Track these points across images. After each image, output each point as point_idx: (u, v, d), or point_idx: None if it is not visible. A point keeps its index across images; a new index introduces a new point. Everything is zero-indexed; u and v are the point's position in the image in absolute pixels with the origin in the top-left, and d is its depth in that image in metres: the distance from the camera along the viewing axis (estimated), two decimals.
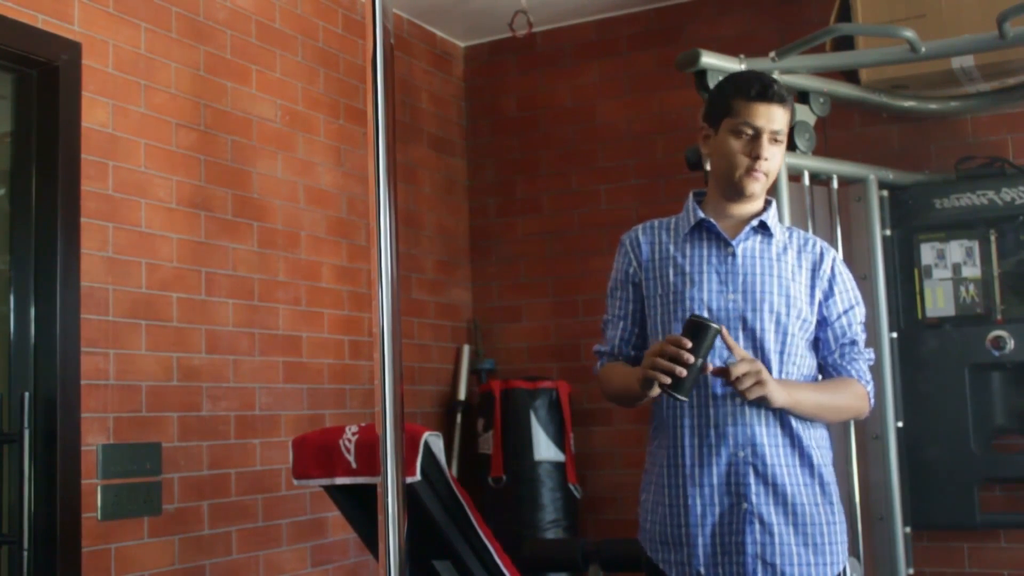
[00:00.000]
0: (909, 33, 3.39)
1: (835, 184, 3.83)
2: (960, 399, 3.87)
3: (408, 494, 2.69)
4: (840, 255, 3.80)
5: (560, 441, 4.57)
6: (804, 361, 2.35)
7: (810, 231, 3.72)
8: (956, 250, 3.93)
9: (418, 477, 2.85)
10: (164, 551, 3.37)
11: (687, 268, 2.35)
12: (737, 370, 2.17)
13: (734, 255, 2.34)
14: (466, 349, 4.95)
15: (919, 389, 3.90)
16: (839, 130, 4.17)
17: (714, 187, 2.42)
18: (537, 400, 4.58)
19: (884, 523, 3.74)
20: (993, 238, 3.88)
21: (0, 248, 3.18)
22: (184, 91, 3.60)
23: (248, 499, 3.70)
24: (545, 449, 4.53)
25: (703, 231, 2.38)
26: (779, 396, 2.21)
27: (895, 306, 3.95)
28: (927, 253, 3.96)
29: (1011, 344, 3.77)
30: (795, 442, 2.28)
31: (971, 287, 3.89)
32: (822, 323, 2.38)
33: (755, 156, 2.29)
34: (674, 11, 4.81)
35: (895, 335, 3.92)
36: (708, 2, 4.75)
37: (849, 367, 2.39)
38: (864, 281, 3.86)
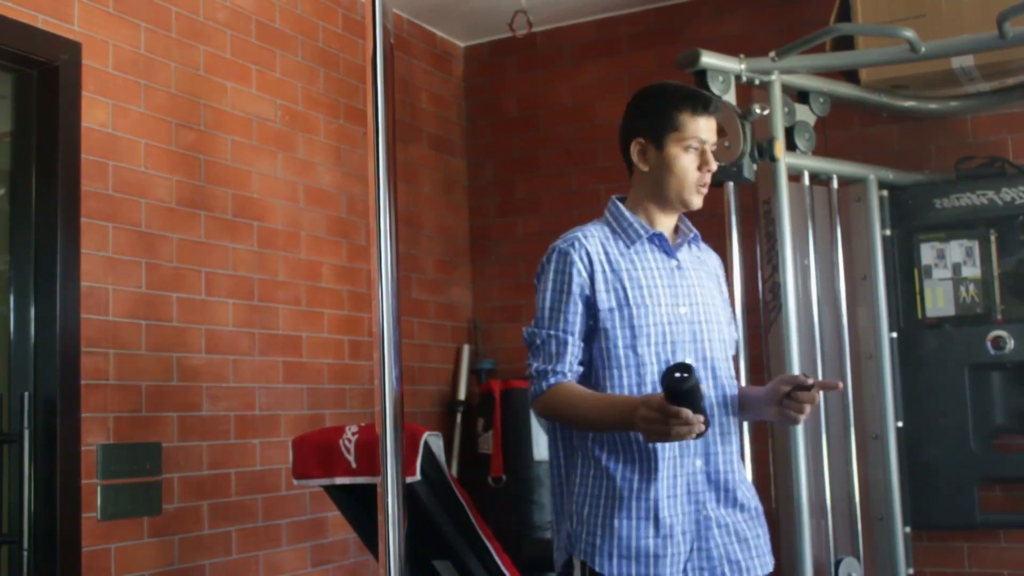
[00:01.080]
0: (909, 33, 3.39)
1: (835, 184, 3.83)
2: (960, 399, 3.87)
3: (408, 494, 2.69)
4: (840, 254, 3.82)
5: None
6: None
7: (810, 231, 3.73)
8: (956, 250, 3.93)
9: (418, 477, 2.85)
10: (164, 551, 3.36)
11: (643, 281, 2.32)
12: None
13: (680, 267, 2.37)
14: (466, 349, 4.95)
15: (919, 389, 3.90)
16: (839, 130, 4.17)
17: (650, 197, 2.38)
18: None
19: (884, 523, 3.74)
20: (993, 238, 3.88)
21: (0, 248, 3.18)
22: (184, 91, 3.60)
23: (248, 499, 3.70)
24: (545, 449, 4.53)
25: (650, 242, 2.38)
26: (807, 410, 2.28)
27: (895, 306, 3.95)
28: (927, 253, 3.96)
29: (1011, 344, 3.77)
30: (734, 446, 2.36)
31: (971, 287, 3.89)
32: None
33: (707, 169, 2.33)
34: (674, 11, 4.81)
35: (895, 335, 3.92)
36: (708, 2, 4.74)
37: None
38: (864, 281, 3.87)
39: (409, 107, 4.82)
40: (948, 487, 3.89)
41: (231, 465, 3.65)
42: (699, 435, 2.08)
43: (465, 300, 5.10)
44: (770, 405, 2.25)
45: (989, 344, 3.82)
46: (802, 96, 3.73)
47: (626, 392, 2.27)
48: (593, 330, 2.31)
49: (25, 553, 2.96)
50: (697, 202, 2.36)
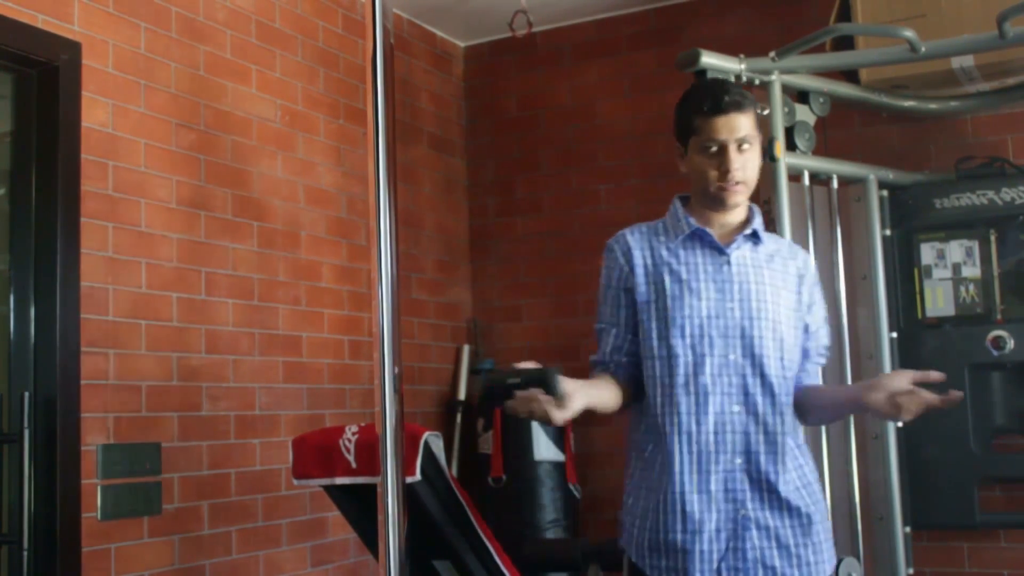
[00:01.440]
0: (909, 33, 3.39)
1: (835, 184, 3.83)
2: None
3: (408, 494, 2.69)
4: (840, 254, 3.82)
5: (560, 441, 4.57)
6: (796, 367, 2.37)
7: (810, 231, 3.73)
8: (956, 250, 3.93)
9: (418, 477, 2.85)
10: (164, 551, 3.37)
11: (684, 275, 2.34)
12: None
13: (729, 263, 2.33)
14: (466, 349, 4.95)
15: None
16: (839, 130, 4.17)
17: (697, 199, 2.40)
18: None
19: (884, 523, 3.74)
20: (993, 238, 3.88)
21: (0, 248, 3.18)
22: (184, 91, 3.60)
23: (248, 499, 3.70)
24: (545, 449, 4.53)
25: (697, 238, 2.37)
26: (933, 399, 2.26)
27: (895, 306, 3.95)
28: (927, 253, 3.96)
29: (1011, 344, 3.77)
30: (785, 447, 2.29)
31: (971, 287, 3.89)
32: (805, 330, 2.41)
33: (725, 170, 2.28)
34: (674, 11, 4.81)
35: (895, 335, 3.92)
36: (708, 2, 4.74)
37: (816, 375, 2.48)
38: (864, 281, 3.86)
39: (409, 107, 4.82)
40: (948, 487, 3.89)
41: (231, 465, 3.65)
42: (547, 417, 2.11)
43: (465, 300, 5.10)
44: (874, 391, 2.20)
45: (989, 344, 3.82)
46: (802, 96, 3.73)
47: (658, 385, 2.31)
48: (637, 323, 2.37)
49: (25, 553, 2.96)
50: (731, 200, 2.31)
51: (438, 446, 2.93)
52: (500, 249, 5.11)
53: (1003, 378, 3.90)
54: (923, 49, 3.42)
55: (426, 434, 2.87)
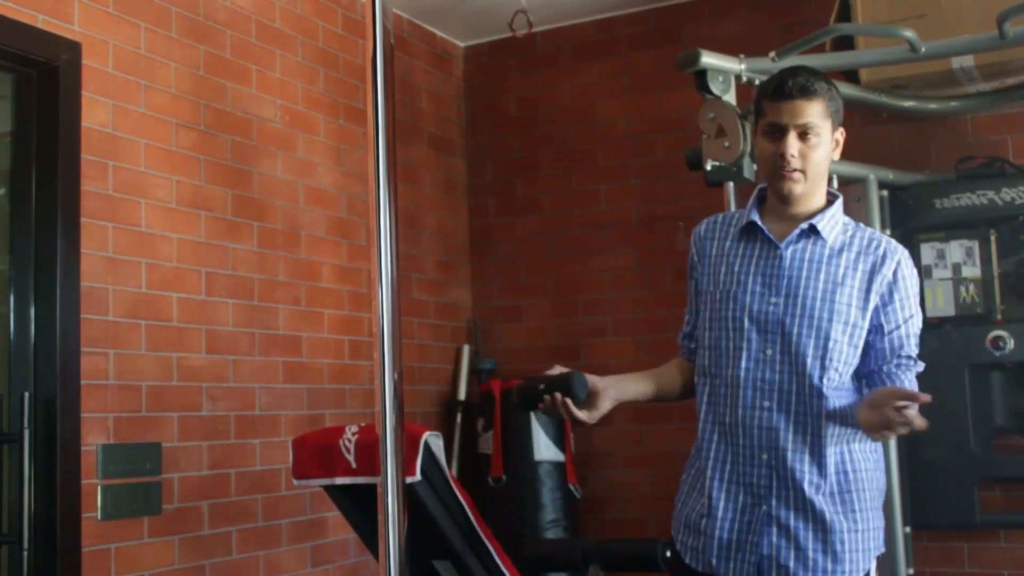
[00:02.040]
0: (909, 33, 3.39)
1: (835, 184, 3.83)
2: (960, 399, 3.87)
3: (408, 494, 2.69)
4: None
5: (560, 441, 4.57)
6: (847, 368, 2.28)
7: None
8: (956, 250, 3.93)
9: (418, 477, 2.85)
10: (164, 551, 3.37)
11: (736, 268, 2.34)
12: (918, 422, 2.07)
13: (781, 258, 2.30)
14: (466, 349, 4.95)
15: (919, 389, 3.89)
16: None
17: (768, 189, 2.38)
18: None
19: (884, 523, 3.74)
20: (993, 238, 3.88)
21: (0, 248, 3.18)
22: (184, 91, 3.60)
23: (248, 499, 3.70)
24: (545, 449, 4.53)
25: (755, 231, 2.35)
26: (919, 422, 2.09)
27: None
28: (927, 253, 3.96)
29: (1011, 344, 3.77)
30: (821, 451, 2.24)
31: (971, 287, 3.89)
32: (877, 330, 2.29)
33: (780, 154, 2.24)
34: (674, 11, 4.81)
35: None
36: (708, 2, 4.74)
37: (904, 377, 2.31)
38: None
39: (409, 107, 4.82)
40: (948, 487, 3.89)
41: (231, 465, 3.65)
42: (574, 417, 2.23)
43: (465, 300, 5.10)
44: (867, 408, 2.12)
45: (989, 344, 3.82)
46: None
47: (705, 374, 2.36)
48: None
49: (25, 553, 2.96)
50: (787, 187, 2.26)
51: (438, 446, 2.93)
52: (500, 249, 5.10)
53: (1003, 378, 3.90)
54: (923, 49, 3.42)
55: (426, 434, 2.87)
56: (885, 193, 3.96)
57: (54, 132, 3.13)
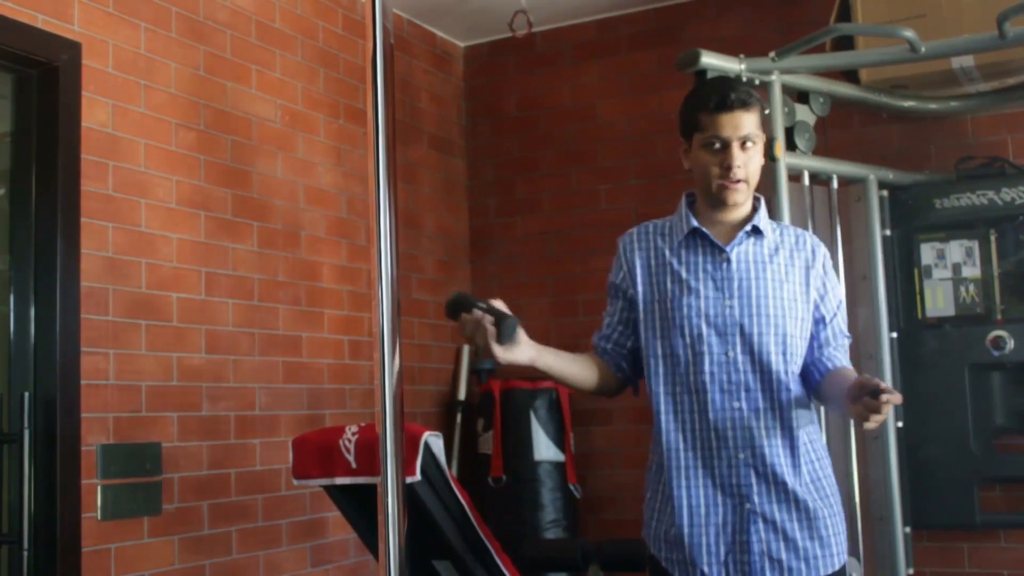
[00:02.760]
0: (909, 33, 3.39)
1: (835, 184, 3.83)
2: (960, 399, 3.87)
3: (408, 494, 2.69)
4: (840, 254, 3.82)
5: (560, 441, 4.57)
6: (801, 359, 2.37)
7: (810, 231, 3.72)
8: (956, 250, 3.93)
9: (418, 477, 2.85)
10: (164, 551, 3.37)
11: (683, 275, 2.36)
12: (894, 398, 2.09)
13: (729, 261, 2.35)
14: (466, 349, 4.94)
15: (919, 389, 3.90)
16: (839, 130, 4.17)
17: (700, 197, 2.42)
18: (537, 400, 4.57)
19: (884, 523, 3.74)
20: (993, 238, 3.88)
21: (0, 248, 3.18)
22: (184, 91, 3.60)
23: (248, 499, 3.70)
24: (545, 449, 4.53)
25: (697, 238, 2.39)
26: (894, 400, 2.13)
27: (895, 306, 3.95)
28: (927, 253, 3.96)
29: (1011, 344, 3.77)
30: (792, 441, 2.31)
31: (971, 287, 3.89)
32: (819, 321, 2.40)
33: (726, 167, 2.30)
34: (674, 11, 4.81)
35: (895, 335, 3.92)
36: (708, 2, 4.74)
37: (844, 358, 2.43)
38: (864, 281, 3.86)
39: (409, 107, 4.82)
40: (948, 487, 3.89)
41: (231, 465, 3.65)
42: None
43: None
44: (849, 402, 2.18)
45: (989, 344, 3.82)
46: (802, 96, 3.73)
47: (662, 383, 2.36)
48: (636, 321, 2.43)
49: (25, 553, 2.96)
50: (731, 198, 2.32)
51: (438, 446, 2.93)
52: (500, 249, 5.10)
53: (1003, 378, 3.90)
54: (923, 49, 3.42)
55: (426, 434, 2.87)
56: (885, 193, 3.96)
57: (54, 132, 3.13)
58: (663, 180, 4.69)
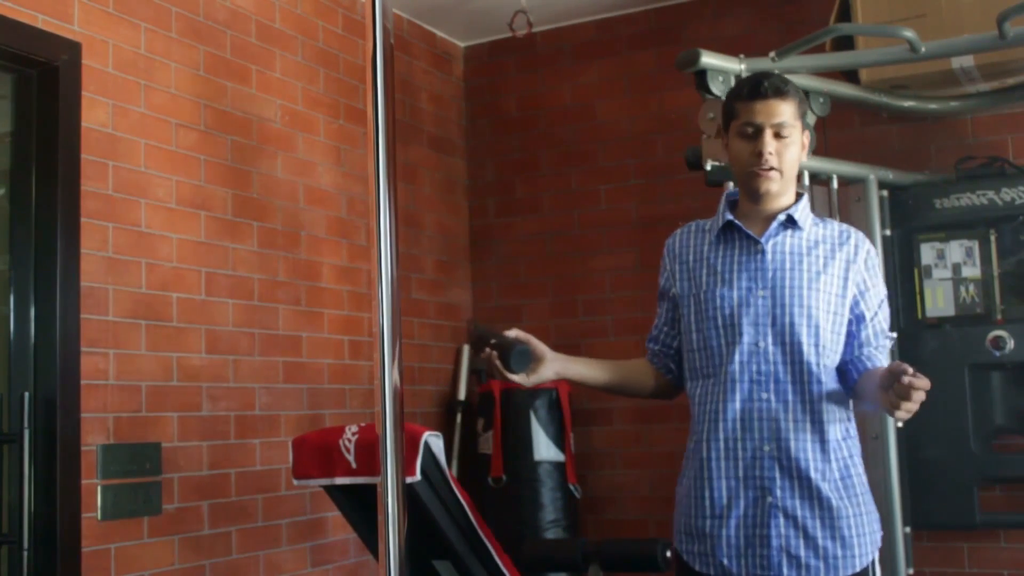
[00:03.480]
0: (909, 33, 3.39)
1: (835, 184, 3.83)
2: (960, 399, 3.87)
3: (408, 494, 2.68)
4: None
5: (560, 441, 4.57)
6: (834, 356, 2.35)
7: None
8: (956, 250, 3.93)
9: (418, 477, 2.85)
10: (164, 551, 3.37)
11: (719, 267, 2.37)
12: (921, 383, 2.09)
13: (763, 252, 2.34)
14: (466, 349, 4.95)
15: None
16: (839, 130, 4.17)
17: (740, 190, 2.43)
18: (537, 400, 4.57)
19: (884, 523, 3.71)
20: (993, 238, 3.87)
21: (0, 248, 3.18)
22: (184, 91, 3.60)
23: (248, 499, 3.70)
24: (545, 449, 4.53)
25: (733, 231, 2.40)
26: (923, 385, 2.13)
27: (895, 306, 3.94)
28: (927, 253, 3.96)
29: (1011, 344, 3.77)
30: (822, 436, 2.29)
31: (971, 287, 3.89)
32: (859, 319, 2.37)
33: (758, 153, 2.29)
34: (674, 11, 4.81)
35: (895, 335, 3.91)
36: (708, 2, 4.74)
37: (884, 358, 2.41)
38: None
39: (409, 107, 4.82)
40: (948, 487, 3.88)
41: (231, 465, 3.65)
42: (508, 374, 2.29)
43: (465, 300, 5.10)
44: (881, 391, 2.17)
45: (989, 344, 3.82)
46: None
47: (695, 376, 2.39)
48: (676, 318, 2.46)
49: (25, 553, 2.96)
50: (763, 186, 2.32)
51: (438, 446, 2.93)
52: (500, 249, 5.11)
53: (1003, 378, 3.90)
54: (923, 49, 3.42)
55: (426, 434, 2.87)
56: (885, 193, 3.96)
57: (54, 132, 3.13)
58: (663, 180, 4.69)
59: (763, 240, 2.35)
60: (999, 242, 3.86)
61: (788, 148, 2.31)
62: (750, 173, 2.32)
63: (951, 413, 3.87)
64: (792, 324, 2.29)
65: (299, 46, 4.16)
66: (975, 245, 3.89)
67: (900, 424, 3.83)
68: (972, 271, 3.89)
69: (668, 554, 2.52)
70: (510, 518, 4.40)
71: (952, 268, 3.92)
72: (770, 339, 2.29)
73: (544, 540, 4.36)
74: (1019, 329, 3.78)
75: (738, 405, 2.29)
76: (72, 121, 3.18)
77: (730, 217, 2.39)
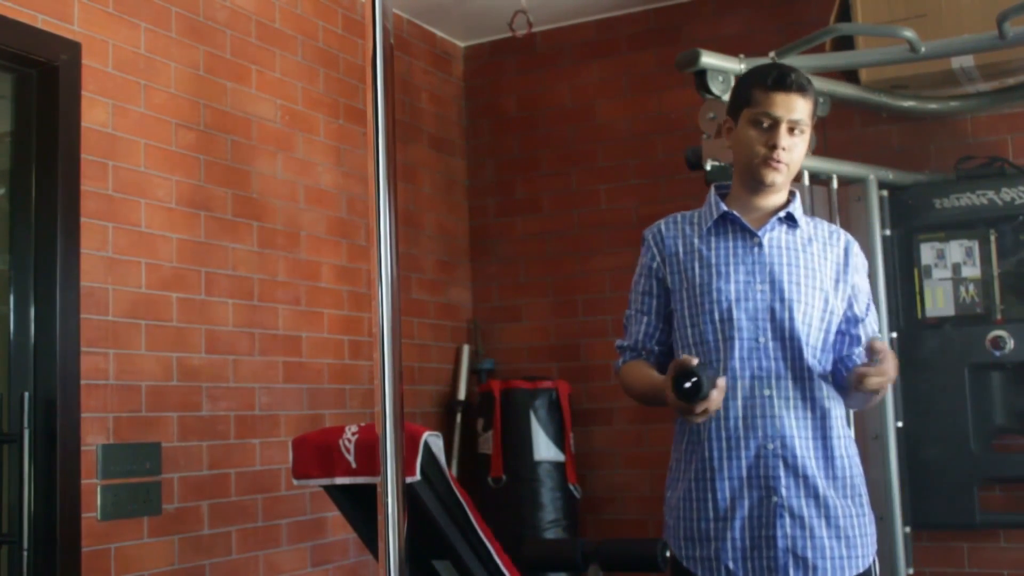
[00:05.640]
0: (909, 33, 3.39)
1: (835, 184, 3.83)
2: (960, 399, 3.87)
3: (408, 494, 2.68)
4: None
5: (560, 441, 4.57)
6: (827, 354, 2.32)
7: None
8: (956, 250, 3.93)
9: (418, 477, 2.85)
10: (164, 551, 3.36)
11: (713, 260, 2.31)
12: (879, 344, 2.08)
13: (760, 246, 2.30)
14: (466, 349, 4.95)
15: (919, 389, 3.90)
16: (839, 130, 4.17)
17: (737, 180, 2.38)
18: (537, 400, 4.58)
19: (884, 523, 3.73)
20: (993, 238, 3.88)
21: (0, 248, 3.18)
22: (184, 91, 3.60)
23: (248, 499, 3.70)
24: (545, 449, 4.53)
25: (728, 223, 2.35)
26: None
27: (895, 306, 3.95)
28: (927, 253, 3.96)
29: (1011, 344, 3.77)
30: (825, 434, 2.26)
31: (971, 287, 3.89)
32: (852, 319, 2.35)
33: (772, 145, 2.26)
34: (674, 11, 4.81)
35: (895, 335, 3.92)
36: (708, 2, 4.75)
37: None
38: None
39: (409, 107, 4.82)
40: (948, 487, 3.88)
41: (231, 465, 3.65)
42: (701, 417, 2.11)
43: (465, 300, 5.10)
44: (854, 375, 2.15)
45: (989, 344, 3.82)
46: None
47: None
48: (671, 312, 2.37)
49: (25, 553, 2.96)
50: (770, 177, 2.28)
51: (438, 446, 2.93)
52: (500, 249, 5.11)
53: (1003, 378, 3.90)
54: (923, 49, 3.42)
55: (426, 434, 2.87)
56: (885, 193, 3.96)
57: (54, 132, 3.13)
58: (663, 180, 4.69)
59: (760, 233, 2.31)
60: (999, 242, 3.86)
61: (798, 146, 2.29)
62: (759, 162, 2.28)
63: (951, 413, 3.88)
64: (792, 319, 2.25)
65: (299, 46, 4.16)
66: (975, 245, 3.90)
67: (900, 424, 3.83)
68: (972, 271, 3.89)
69: (668, 554, 2.50)
70: (510, 518, 4.40)
71: (952, 268, 3.92)
72: (770, 335, 2.25)
73: (544, 540, 4.36)
74: (1019, 329, 3.78)
75: (740, 403, 2.24)
76: (72, 121, 3.17)
77: (726, 209, 2.34)
